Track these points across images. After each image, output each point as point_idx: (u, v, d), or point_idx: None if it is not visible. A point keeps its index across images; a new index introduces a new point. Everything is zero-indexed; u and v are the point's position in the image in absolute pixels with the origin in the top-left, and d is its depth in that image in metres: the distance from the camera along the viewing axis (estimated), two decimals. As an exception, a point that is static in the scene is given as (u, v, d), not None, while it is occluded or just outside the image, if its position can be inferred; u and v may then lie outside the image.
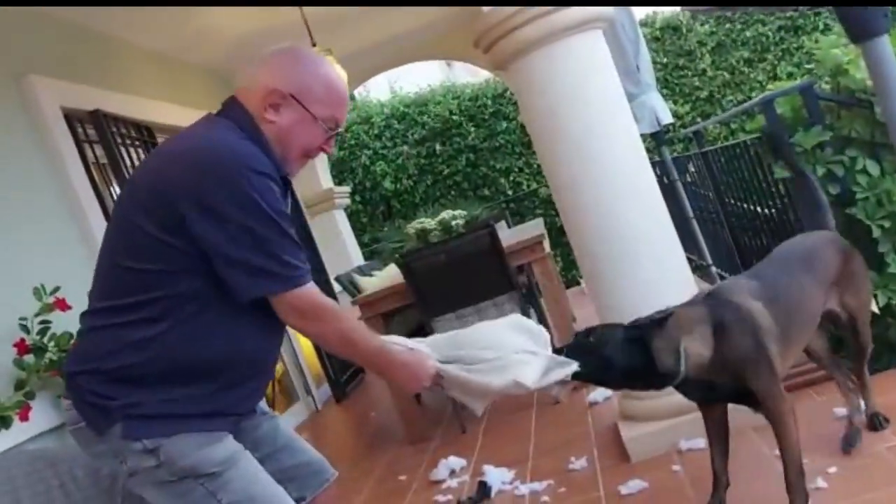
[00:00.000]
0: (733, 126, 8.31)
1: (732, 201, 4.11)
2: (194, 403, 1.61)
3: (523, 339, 1.81)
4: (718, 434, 2.20)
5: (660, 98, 4.90)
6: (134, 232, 1.58)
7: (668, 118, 4.80)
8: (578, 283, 7.97)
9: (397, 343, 1.77)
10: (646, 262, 2.79)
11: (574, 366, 1.80)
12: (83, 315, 1.68)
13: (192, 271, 1.56)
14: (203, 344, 1.60)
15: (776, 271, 2.21)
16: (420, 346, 1.78)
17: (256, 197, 1.54)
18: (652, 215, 2.85)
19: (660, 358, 1.93)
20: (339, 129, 1.76)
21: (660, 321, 1.95)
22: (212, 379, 1.62)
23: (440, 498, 3.17)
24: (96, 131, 3.96)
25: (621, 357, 1.93)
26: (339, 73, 1.77)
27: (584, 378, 1.95)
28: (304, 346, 6.41)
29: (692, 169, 4.79)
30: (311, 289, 1.62)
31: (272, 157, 1.64)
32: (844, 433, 2.42)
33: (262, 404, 1.88)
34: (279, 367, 6.10)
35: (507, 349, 1.76)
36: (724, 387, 2.01)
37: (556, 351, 1.87)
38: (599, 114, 2.83)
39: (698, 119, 8.54)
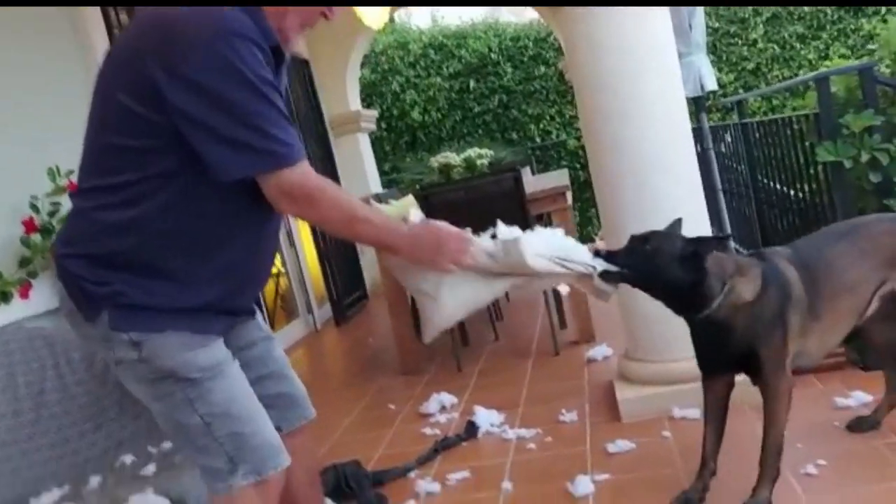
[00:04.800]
0: (775, 102, 8.10)
1: (765, 180, 4.00)
2: (181, 295, 1.53)
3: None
4: (716, 413, 2.14)
5: (707, 62, 4.73)
6: (111, 104, 1.47)
7: (712, 84, 4.64)
8: (592, 240, 7.91)
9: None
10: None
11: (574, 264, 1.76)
12: (72, 195, 1.60)
13: (171, 148, 1.44)
14: (187, 229, 1.51)
15: (812, 241, 2.19)
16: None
17: (237, 62, 1.38)
18: (687, 188, 2.77)
19: (709, 278, 1.94)
20: None
21: (721, 240, 2.02)
22: (196, 268, 1.54)
23: (427, 431, 3.19)
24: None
25: (673, 269, 1.94)
26: None
27: (628, 281, 1.94)
28: (310, 262, 6.42)
29: (728, 139, 4.66)
30: (303, 168, 1.47)
31: (265, 25, 1.49)
32: (859, 416, 2.42)
33: (262, 322, 1.82)
34: (283, 283, 6.12)
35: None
36: (736, 339, 1.99)
37: (610, 254, 1.90)
38: (648, 74, 2.73)
39: (741, 90, 8.30)
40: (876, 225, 2.17)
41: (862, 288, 2.11)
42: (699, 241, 1.98)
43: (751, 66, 8.44)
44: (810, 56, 8.31)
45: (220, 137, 1.41)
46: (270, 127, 1.42)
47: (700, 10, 4.58)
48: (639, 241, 1.99)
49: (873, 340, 2.35)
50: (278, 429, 1.80)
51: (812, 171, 3.10)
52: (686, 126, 2.82)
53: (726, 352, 2.04)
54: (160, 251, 1.52)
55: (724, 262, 1.98)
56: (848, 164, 2.73)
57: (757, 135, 3.90)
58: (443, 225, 1.65)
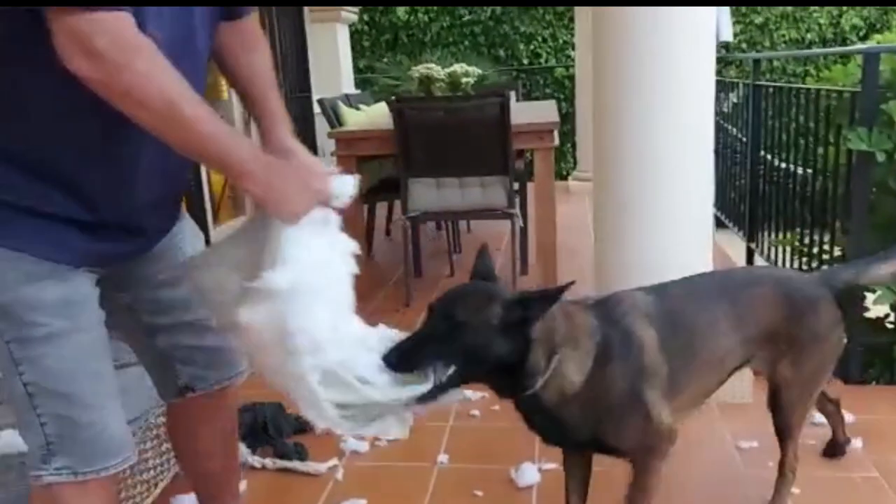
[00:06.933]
0: (775, 63, 7.72)
1: (766, 154, 3.68)
2: (23, 183, 1.13)
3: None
4: (577, 471, 1.78)
5: (727, 11, 4.34)
6: None
7: (728, 34, 4.27)
8: (564, 178, 7.58)
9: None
10: (672, 201, 2.39)
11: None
12: None
13: None
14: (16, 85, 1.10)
15: (689, 294, 1.67)
16: None
17: None
18: (695, 152, 2.42)
19: (534, 350, 1.39)
20: None
21: (554, 297, 1.36)
22: (41, 147, 1.13)
23: (363, 373, 2.89)
24: None
25: (496, 345, 1.36)
26: None
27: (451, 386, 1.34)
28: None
29: (734, 100, 4.30)
30: (117, 17, 1.02)
31: None
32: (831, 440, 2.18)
33: (189, 245, 1.43)
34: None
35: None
36: (576, 430, 1.51)
37: (405, 352, 1.29)
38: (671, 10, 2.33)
39: (744, 45, 7.91)
40: (761, 289, 1.73)
41: (727, 362, 1.70)
42: (526, 301, 1.38)
43: (759, 20, 8.02)
44: (821, 20, 7.92)
45: None
46: None
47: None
48: (441, 317, 1.36)
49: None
50: (190, 388, 1.47)
51: (831, 155, 2.78)
52: (709, 79, 2.44)
53: (564, 439, 1.59)
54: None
55: (553, 325, 1.43)
56: (880, 157, 2.41)
57: (772, 100, 3.55)
58: (312, 158, 1.27)
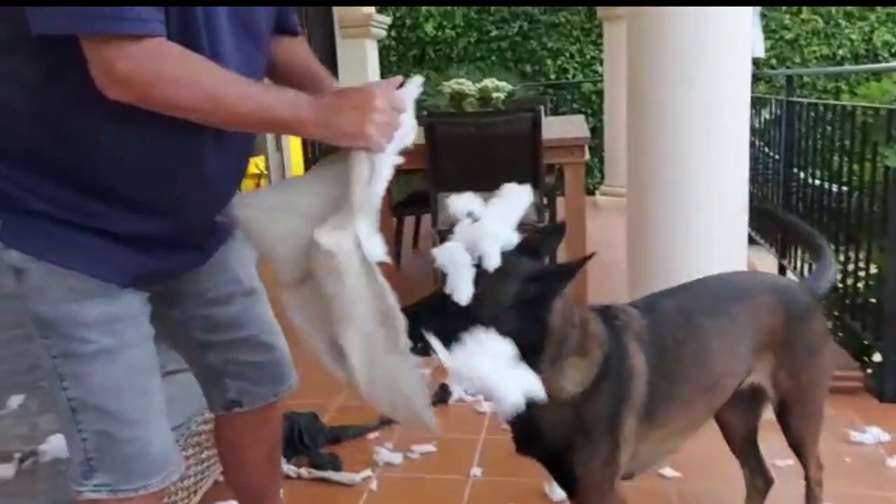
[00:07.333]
0: (819, 83, 7.66)
1: (799, 171, 3.67)
2: (77, 210, 1.14)
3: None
4: None
5: (759, 26, 4.34)
6: None
7: (760, 51, 4.27)
8: (592, 193, 7.57)
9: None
10: (707, 218, 2.40)
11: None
12: None
13: None
14: (86, 111, 1.10)
15: (683, 314, 1.53)
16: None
17: None
18: (730, 169, 2.42)
19: (548, 343, 1.29)
20: None
21: (574, 269, 1.27)
22: (87, 164, 1.13)
23: (395, 385, 2.91)
24: None
25: (507, 322, 1.24)
26: None
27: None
28: (292, 149, 6.03)
29: (766, 116, 4.29)
30: (153, 42, 1.02)
31: None
32: None
33: (241, 273, 1.43)
34: (264, 185, 5.74)
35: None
36: (547, 440, 1.40)
37: (411, 312, 1.25)
38: (708, 21, 2.33)
39: (773, 61, 7.87)
40: (761, 297, 1.63)
41: (725, 382, 1.59)
42: (544, 275, 1.28)
43: (789, 35, 7.97)
44: (853, 36, 7.86)
45: None
46: None
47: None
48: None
49: (724, 427, 1.87)
50: (238, 403, 1.49)
51: (867, 172, 2.76)
52: (746, 93, 2.44)
53: (534, 447, 1.45)
54: (50, 135, 1.12)
55: (569, 331, 1.33)
56: (918, 174, 2.40)
57: (806, 117, 3.54)
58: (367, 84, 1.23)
